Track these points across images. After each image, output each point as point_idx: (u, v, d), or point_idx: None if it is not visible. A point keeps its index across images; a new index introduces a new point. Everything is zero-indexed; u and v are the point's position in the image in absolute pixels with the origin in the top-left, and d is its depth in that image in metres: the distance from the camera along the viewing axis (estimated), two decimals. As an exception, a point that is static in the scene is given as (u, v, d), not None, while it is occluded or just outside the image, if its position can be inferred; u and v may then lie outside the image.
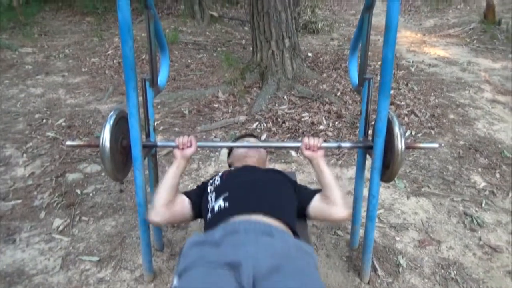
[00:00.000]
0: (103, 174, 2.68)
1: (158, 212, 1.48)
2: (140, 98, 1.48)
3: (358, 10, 9.34)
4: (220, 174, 1.63)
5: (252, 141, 1.88)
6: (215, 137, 3.28)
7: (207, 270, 1.14)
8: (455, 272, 1.85)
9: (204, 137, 3.28)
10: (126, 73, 1.38)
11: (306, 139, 1.56)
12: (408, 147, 1.49)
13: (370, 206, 1.59)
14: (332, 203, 1.47)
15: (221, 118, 3.59)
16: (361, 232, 1.90)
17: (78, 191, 2.47)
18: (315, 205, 1.54)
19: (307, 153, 1.56)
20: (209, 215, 1.45)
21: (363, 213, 1.93)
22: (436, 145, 1.59)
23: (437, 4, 8.78)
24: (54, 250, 1.98)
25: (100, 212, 2.28)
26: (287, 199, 1.53)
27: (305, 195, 1.59)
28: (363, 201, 1.90)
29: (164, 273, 1.82)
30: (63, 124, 3.42)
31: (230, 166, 1.90)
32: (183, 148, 1.56)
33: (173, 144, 1.58)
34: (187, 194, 1.61)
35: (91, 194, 2.46)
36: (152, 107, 1.68)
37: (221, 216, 1.38)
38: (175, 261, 1.89)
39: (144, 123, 1.65)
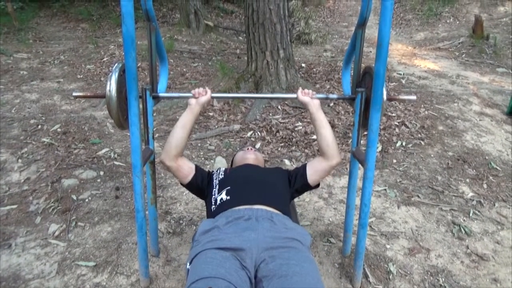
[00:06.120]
0: (98, 180, 2.71)
1: (170, 158, 1.65)
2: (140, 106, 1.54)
3: (350, 22, 9.51)
4: (223, 168, 1.79)
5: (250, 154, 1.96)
6: (210, 145, 3.32)
7: (213, 254, 1.32)
8: (443, 279, 1.91)
9: (199, 144, 3.32)
10: (128, 83, 1.43)
11: (300, 88, 1.76)
12: (389, 99, 1.65)
13: (362, 214, 1.65)
14: (327, 158, 1.69)
15: (216, 126, 3.64)
16: (353, 239, 1.95)
17: (74, 197, 2.49)
18: (311, 173, 1.72)
19: (304, 97, 1.72)
20: (213, 206, 1.62)
21: (355, 221, 1.98)
22: (414, 97, 1.72)
23: (427, 18, 8.98)
24: (50, 255, 1.99)
25: (96, 218, 2.30)
26: (282, 191, 1.70)
27: (300, 175, 1.75)
28: (355, 210, 1.96)
29: (160, 278, 1.84)
30: (59, 130, 3.44)
31: None
32: (198, 97, 1.71)
33: (188, 95, 1.73)
34: (197, 167, 1.76)
35: (87, 200, 2.48)
36: (151, 116, 1.73)
37: (224, 207, 1.56)
38: (171, 266, 1.92)
39: (144, 131, 1.70)
